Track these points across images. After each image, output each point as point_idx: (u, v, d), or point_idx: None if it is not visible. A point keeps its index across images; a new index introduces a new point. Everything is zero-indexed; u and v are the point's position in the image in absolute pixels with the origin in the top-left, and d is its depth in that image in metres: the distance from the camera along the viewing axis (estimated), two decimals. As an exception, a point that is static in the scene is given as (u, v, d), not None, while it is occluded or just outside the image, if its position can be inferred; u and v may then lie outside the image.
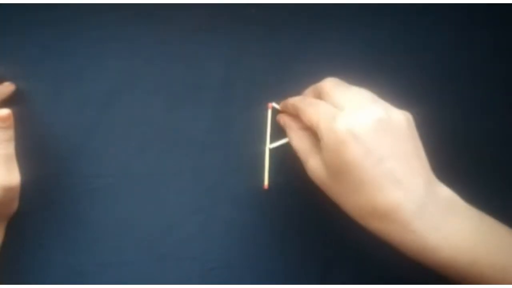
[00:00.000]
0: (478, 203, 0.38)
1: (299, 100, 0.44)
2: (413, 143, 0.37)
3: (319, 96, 0.43)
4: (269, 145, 0.49)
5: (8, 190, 0.43)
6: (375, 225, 0.37)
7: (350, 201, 0.37)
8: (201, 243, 0.50)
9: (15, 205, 0.45)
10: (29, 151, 0.50)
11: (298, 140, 0.43)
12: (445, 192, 0.37)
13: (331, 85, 0.42)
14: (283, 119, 0.46)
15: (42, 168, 0.50)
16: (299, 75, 0.50)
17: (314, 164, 0.39)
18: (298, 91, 0.49)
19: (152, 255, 0.49)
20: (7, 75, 0.48)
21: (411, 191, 0.35)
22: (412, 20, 0.51)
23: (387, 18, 0.51)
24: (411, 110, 0.49)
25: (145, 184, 0.49)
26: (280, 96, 0.49)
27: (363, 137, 0.35)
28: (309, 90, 0.46)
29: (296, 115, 0.43)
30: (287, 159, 0.49)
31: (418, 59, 0.51)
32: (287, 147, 0.49)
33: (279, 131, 0.49)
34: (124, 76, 0.50)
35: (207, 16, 0.50)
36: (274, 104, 0.49)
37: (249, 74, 0.50)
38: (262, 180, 0.49)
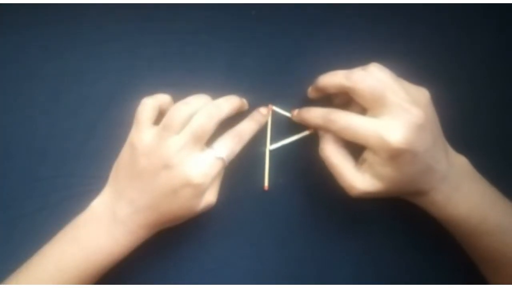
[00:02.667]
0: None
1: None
2: (435, 120, 0.43)
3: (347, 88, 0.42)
4: (269, 147, 0.49)
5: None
6: (416, 199, 0.44)
7: (399, 191, 0.43)
8: (201, 243, 0.50)
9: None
10: (29, 151, 0.50)
11: (340, 161, 0.43)
12: (459, 159, 0.44)
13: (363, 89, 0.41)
14: (315, 122, 0.44)
15: (42, 169, 0.50)
16: (299, 76, 0.50)
17: (367, 183, 0.42)
18: (298, 92, 0.49)
19: (151, 255, 0.49)
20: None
21: (439, 165, 0.42)
22: (413, 20, 0.51)
23: (387, 18, 0.51)
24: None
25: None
26: (280, 97, 0.49)
27: (413, 145, 0.39)
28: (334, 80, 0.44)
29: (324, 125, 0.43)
30: (287, 161, 0.49)
31: (418, 59, 0.51)
32: (287, 148, 0.49)
33: (279, 133, 0.49)
34: (124, 77, 0.50)
35: (207, 17, 0.50)
36: (274, 107, 0.49)
37: (249, 75, 0.50)
38: (262, 181, 0.49)
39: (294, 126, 0.48)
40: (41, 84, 0.50)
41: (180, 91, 0.47)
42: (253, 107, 0.49)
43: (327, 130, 0.43)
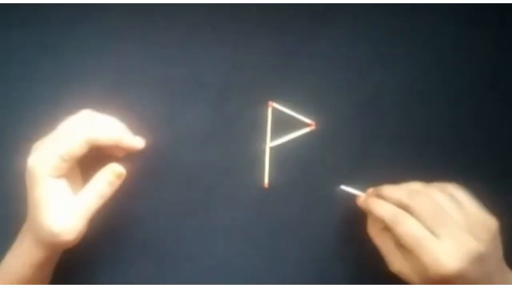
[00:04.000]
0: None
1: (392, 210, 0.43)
2: (498, 253, 0.42)
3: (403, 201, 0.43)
4: (269, 144, 0.49)
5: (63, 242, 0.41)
6: None
7: None
8: (200, 242, 0.49)
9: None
10: (28, 150, 0.50)
11: (383, 242, 0.45)
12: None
13: (422, 204, 0.42)
14: (381, 214, 0.44)
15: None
16: (299, 74, 0.50)
17: (402, 268, 0.43)
18: (298, 90, 0.49)
19: (151, 255, 0.49)
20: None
21: None
22: (412, 20, 0.51)
23: (387, 18, 0.51)
24: (412, 109, 0.50)
25: (144, 182, 0.49)
26: (281, 94, 0.49)
27: (465, 275, 0.39)
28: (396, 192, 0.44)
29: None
30: (287, 158, 0.49)
31: (418, 58, 0.51)
32: (288, 146, 0.49)
33: (279, 130, 0.49)
34: (124, 75, 0.50)
35: (208, 15, 0.50)
36: (275, 104, 0.49)
37: (250, 72, 0.50)
38: (262, 179, 0.49)
39: (294, 123, 0.48)
40: (41, 82, 0.50)
41: (180, 89, 0.47)
42: (253, 105, 0.49)
43: (391, 227, 0.42)
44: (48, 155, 0.40)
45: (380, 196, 0.45)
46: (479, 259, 0.39)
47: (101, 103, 0.50)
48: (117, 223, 0.48)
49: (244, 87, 0.49)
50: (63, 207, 0.40)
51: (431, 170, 0.49)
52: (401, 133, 0.50)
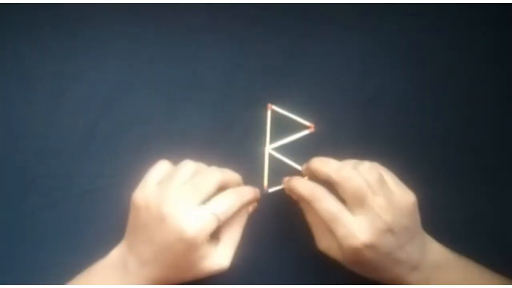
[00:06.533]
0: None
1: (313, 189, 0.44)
2: (414, 225, 0.43)
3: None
4: (268, 146, 0.49)
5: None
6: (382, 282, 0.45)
7: (362, 273, 0.44)
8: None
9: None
10: (30, 150, 0.50)
11: (313, 219, 0.45)
12: (435, 250, 0.44)
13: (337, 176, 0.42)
14: (301, 192, 0.45)
15: (43, 168, 0.50)
16: (299, 76, 0.50)
17: (328, 245, 0.44)
18: (297, 92, 0.50)
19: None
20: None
21: (409, 263, 0.42)
22: (412, 20, 0.51)
23: (387, 18, 0.51)
24: (411, 110, 0.50)
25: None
26: (280, 96, 0.49)
27: (376, 246, 0.41)
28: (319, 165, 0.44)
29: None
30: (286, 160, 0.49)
31: (417, 58, 0.51)
32: (287, 148, 0.49)
33: (278, 132, 0.49)
34: (124, 76, 0.50)
35: (208, 16, 0.50)
36: (274, 107, 0.49)
37: (249, 74, 0.50)
38: (262, 180, 0.49)
39: (294, 125, 0.48)
40: (40, 83, 0.50)
41: (180, 91, 0.47)
42: (252, 107, 0.49)
43: (310, 203, 0.43)
44: (207, 222, 0.41)
45: (311, 169, 0.45)
46: (389, 232, 0.41)
47: (101, 104, 0.50)
48: (119, 224, 0.49)
49: (244, 89, 0.49)
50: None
51: (431, 171, 0.49)
52: (400, 135, 0.50)
